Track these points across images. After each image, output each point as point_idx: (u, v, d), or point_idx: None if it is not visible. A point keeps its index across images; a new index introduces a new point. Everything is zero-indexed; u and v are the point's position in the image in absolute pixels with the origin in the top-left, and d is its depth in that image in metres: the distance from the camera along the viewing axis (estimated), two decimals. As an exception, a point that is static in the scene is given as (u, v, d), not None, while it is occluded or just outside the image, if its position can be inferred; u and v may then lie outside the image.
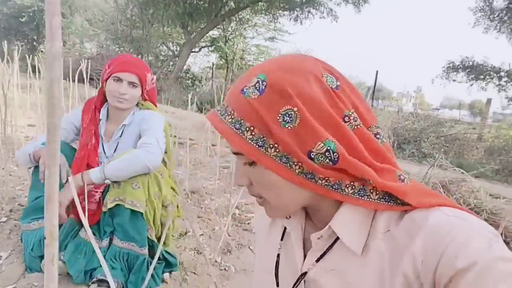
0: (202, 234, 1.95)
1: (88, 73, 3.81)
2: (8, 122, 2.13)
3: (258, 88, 0.46)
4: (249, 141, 0.46)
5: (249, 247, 1.85)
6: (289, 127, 0.45)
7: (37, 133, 3.46)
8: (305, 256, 0.55)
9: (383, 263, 0.46)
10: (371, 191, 0.48)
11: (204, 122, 5.20)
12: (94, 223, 1.39)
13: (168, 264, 1.46)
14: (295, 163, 0.46)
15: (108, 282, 1.19)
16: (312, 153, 0.45)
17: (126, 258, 1.30)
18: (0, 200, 1.90)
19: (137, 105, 1.55)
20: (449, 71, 11.68)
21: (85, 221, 0.60)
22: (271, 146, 0.46)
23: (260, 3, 11.71)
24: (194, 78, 13.98)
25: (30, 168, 1.43)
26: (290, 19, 13.19)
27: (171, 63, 13.83)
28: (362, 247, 0.48)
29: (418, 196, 0.46)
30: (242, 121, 0.47)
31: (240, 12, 12.61)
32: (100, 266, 1.30)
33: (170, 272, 1.49)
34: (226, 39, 14.36)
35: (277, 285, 0.58)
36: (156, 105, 1.64)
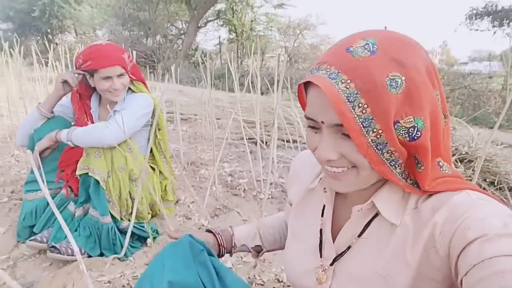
0: (192, 202, 2.03)
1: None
2: (21, 113, 2.27)
3: (368, 49, 0.46)
4: (345, 100, 0.45)
5: (236, 211, 1.91)
6: (393, 93, 0.44)
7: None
8: (332, 228, 0.62)
9: (407, 234, 0.51)
10: (408, 175, 0.51)
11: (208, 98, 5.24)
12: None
13: (139, 237, 1.53)
14: (374, 130, 0.45)
15: (58, 249, 1.28)
16: (397, 124, 0.46)
17: (97, 227, 1.39)
18: (3, 182, 2.06)
19: (129, 88, 1.60)
20: (472, 18, 11.01)
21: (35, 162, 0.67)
22: (360, 105, 0.45)
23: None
24: (203, 55, 13.93)
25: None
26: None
27: (179, 41, 13.80)
28: (400, 220, 0.52)
29: (444, 185, 0.50)
30: (344, 77, 0.46)
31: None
32: (73, 234, 1.40)
33: (154, 238, 1.57)
34: (233, 10, 14.06)
35: (321, 256, 0.62)
36: (143, 80, 1.67)
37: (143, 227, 1.52)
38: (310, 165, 0.71)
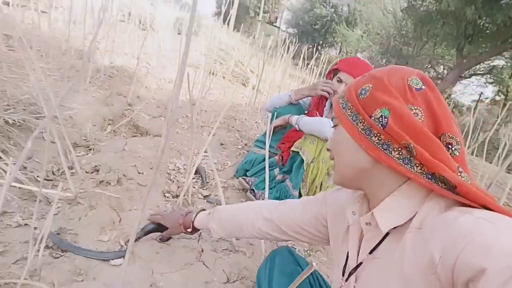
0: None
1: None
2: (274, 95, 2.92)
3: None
4: (341, 108, 0.64)
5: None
6: (361, 98, 0.60)
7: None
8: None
9: (405, 254, 0.51)
10: (417, 164, 0.53)
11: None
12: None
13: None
14: (360, 121, 0.59)
15: (255, 194, 1.62)
16: (372, 117, 0.57)
17: (286, 195, 1.66)
18: (243, 136, 2.73)
19: None
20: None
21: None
22: (349, 108, 0.61)
23: None
24: (453, 105, 12.64)
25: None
26: None
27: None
28: (401, 237, 0.53)
29: (474, 194, 0.49)
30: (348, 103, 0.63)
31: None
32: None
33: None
34: (512, 70, 11.91)
35: (345, 265, 0.67)
36: None
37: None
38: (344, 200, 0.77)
